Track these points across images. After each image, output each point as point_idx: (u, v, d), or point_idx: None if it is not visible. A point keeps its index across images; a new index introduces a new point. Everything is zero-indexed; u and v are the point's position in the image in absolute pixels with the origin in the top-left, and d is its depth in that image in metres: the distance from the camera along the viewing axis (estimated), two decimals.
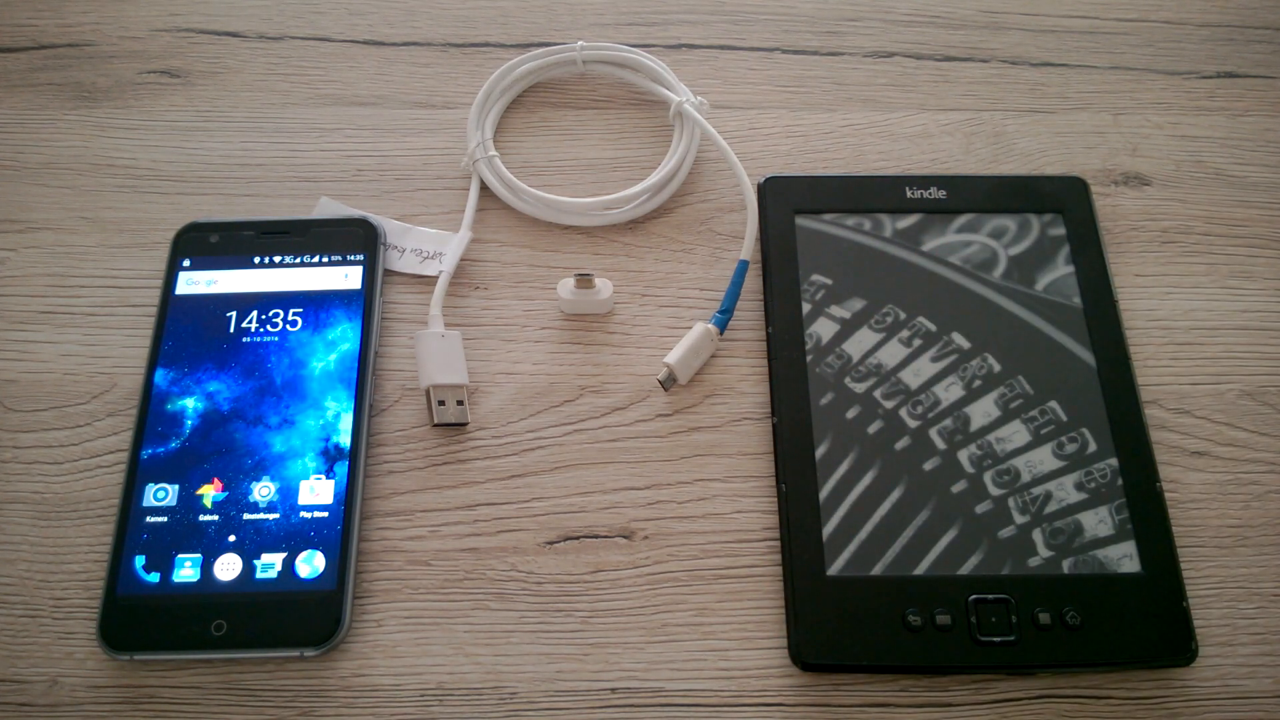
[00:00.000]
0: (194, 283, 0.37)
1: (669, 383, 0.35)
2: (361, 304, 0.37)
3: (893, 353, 0.36)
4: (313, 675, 0.31)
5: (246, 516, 0.33)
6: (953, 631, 0.31)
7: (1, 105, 0.43)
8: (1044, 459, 0.34)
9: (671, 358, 0.35)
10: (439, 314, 0.36)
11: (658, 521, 0.34)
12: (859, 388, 0.35)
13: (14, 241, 0.39)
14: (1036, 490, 0.33)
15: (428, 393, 0.35)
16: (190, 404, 0.35)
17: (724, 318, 0.36)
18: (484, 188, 0.40)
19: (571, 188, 0.41)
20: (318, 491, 0.33)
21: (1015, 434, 0.34)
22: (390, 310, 0.38)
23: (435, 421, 0.35)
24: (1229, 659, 0.32)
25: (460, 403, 0.35)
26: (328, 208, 0.40)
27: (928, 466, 0.34)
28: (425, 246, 0.39)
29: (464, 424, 0.35)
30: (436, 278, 0.37)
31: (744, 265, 0.37)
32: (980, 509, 0.33)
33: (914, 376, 0.35)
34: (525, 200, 0.39)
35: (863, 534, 0.32)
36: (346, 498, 0.33)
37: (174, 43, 0.44)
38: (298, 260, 0.37)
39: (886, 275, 0.37)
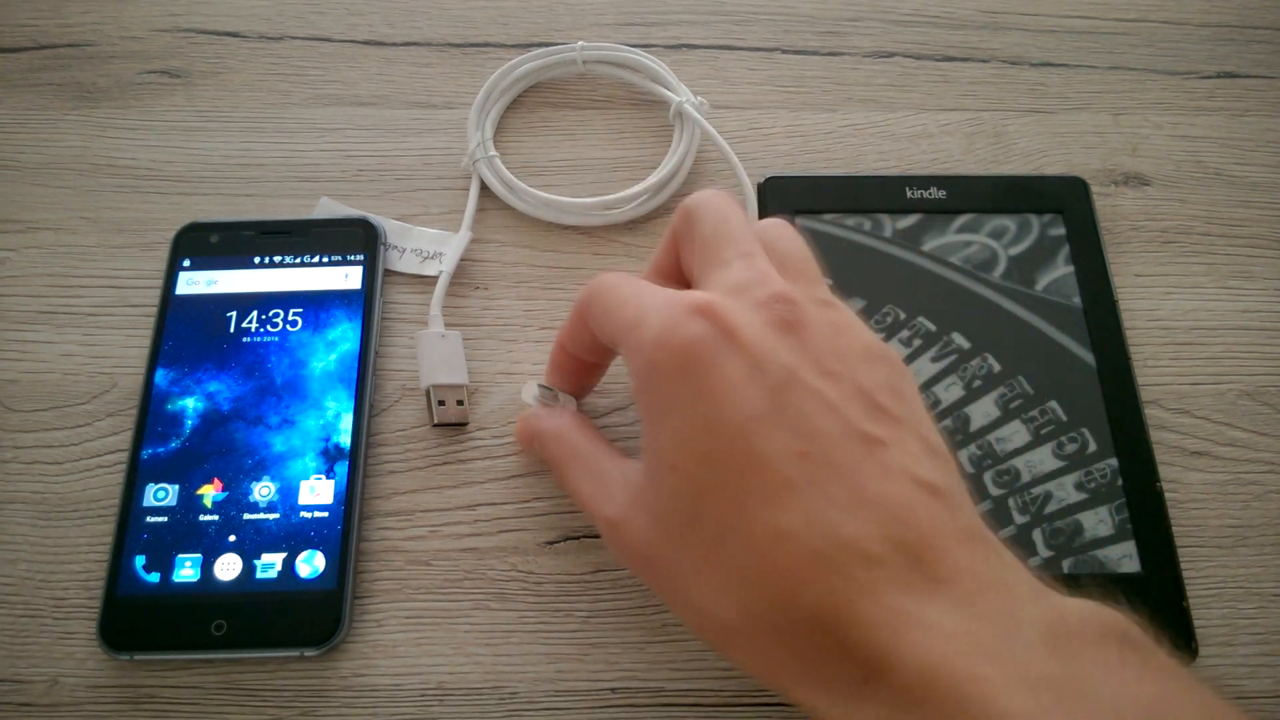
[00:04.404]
0: (194, 283, 0.37)
1: None
2: (362, 304, 0.37)
3: None
4: (313, 675, 0.31)
5: (246, 516, 0.33)
6: None
7: (1, 105, 0.43)
8: (1044, 459, 0.34)
9: None
10: (439, 314, 0.36)
11: None
12: None
13: (14, 241, 0.39)
14: (1036, 490, 0.33)
15: (428, 393, 0.35)
16: (190, 404, 0.35)
17: None
18: (484, 188, 0.40)
19: (571, 188, 0.41)
20: (318, 491, 0.33)
21: (1015, 434, 0.34)
22: (390, 310, 0.38)
23: (435, 421, 0.35)
24: (1229, 659, 0.32)
25: (460, 403, 0.35)
26: (328, 208, 0.40)
27: None
28: (425, 247, 0.39)
29: (464, 424, 0.35)
30: (437, 278, 0.37)
31: None
32: (980, 509, 0.33)
33: (914, 376, 0.35)
34: (525, 200, 0.39)
35: None
36: (346, 497, 0.33)
37: (174, 43, 0.44)
38: (298, 260, 0.37)
39: (886, 275, 0.37)
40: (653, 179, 0.39)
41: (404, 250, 0.39)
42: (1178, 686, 0.20)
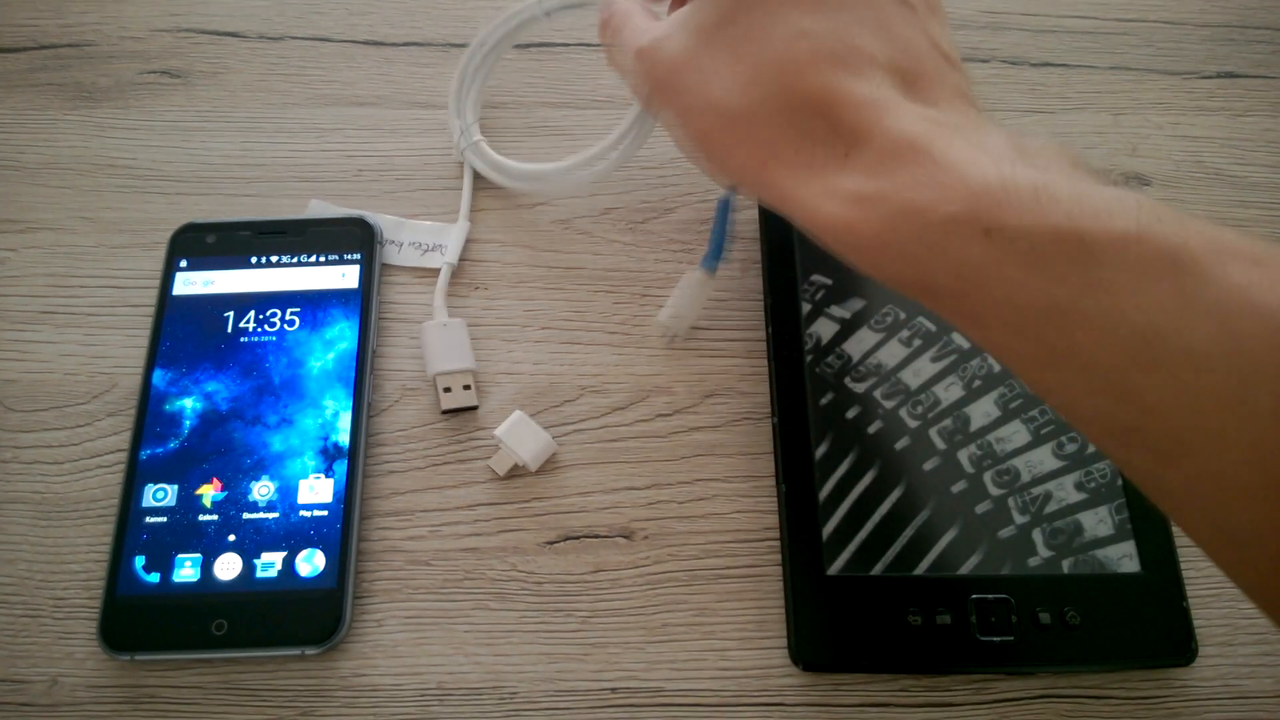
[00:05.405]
0: (191, 283, 0.37)
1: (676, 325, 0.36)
2: (359, 303, 0.37)
3: (892, 353, 0.36)
4: (313, 674, 0.31)
5: (246, 516, 0.33)
6: (953, 631, 0.31)
7: (1, 105, 0.43)
8: (1044, 459, 0.34)
9: (664, 314, 0.36)
10: (443, 304, 0.36)
11: (658, 521, 0.34)
12: (859, 388, 0.35)
13: (14, 241, 0.39)
14: (1036, 490, 0.33)
15: (434, 381, 0.35)
16: (189, 404, 0.35)
17: (714, 260, 0.35)
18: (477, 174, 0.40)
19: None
20: (317, 490, 0.33)
21: (1015, 434, 0.34)
22: (388, 309, 0.38)
23: (443, 408, 0.35)
24: (1229, 659, 0.32)
25: (467, 387, 0.35)
26: (317, 209, 0.39)
27: (928, 466, 0.34)
28: (423, 239, 0.39)
29: (474, 408, 0.35)
30: (438, 271, 0.37)
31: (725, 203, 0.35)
32: (980, 509, 0.33)
33: (914, 376, 0.35)
34: (512, 176, 0.38)
35: (863, 534, 0.32)
36: (346, 496, 0.33)
37: (174, 43, 0.44)
38: (295, 260, 0.37)
39: None
40: (626, 121, 0.36)
41: (401, 244, 0.39)
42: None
